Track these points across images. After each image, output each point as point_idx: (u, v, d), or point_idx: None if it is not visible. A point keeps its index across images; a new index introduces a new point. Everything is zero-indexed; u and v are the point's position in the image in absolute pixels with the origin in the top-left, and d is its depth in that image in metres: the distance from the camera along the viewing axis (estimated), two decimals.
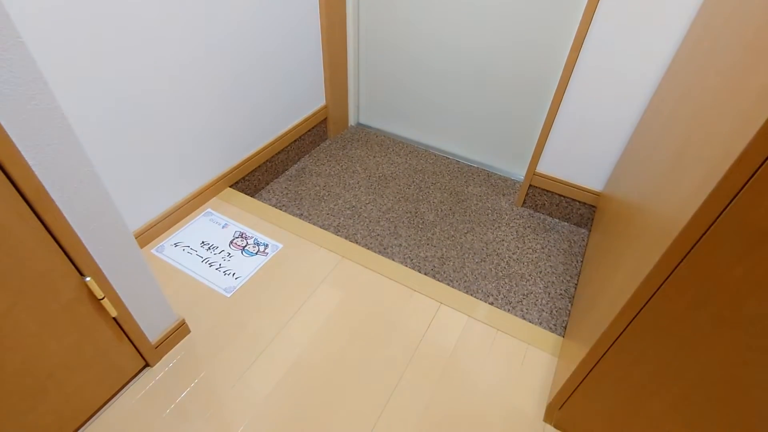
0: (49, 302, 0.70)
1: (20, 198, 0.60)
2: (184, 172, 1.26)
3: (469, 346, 1.05)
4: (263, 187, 1.56)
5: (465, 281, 1.26)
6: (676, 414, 0.68)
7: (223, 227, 1.31)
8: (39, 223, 0.63)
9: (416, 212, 1.48)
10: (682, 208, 0.54)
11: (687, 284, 0.54)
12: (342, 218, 1.44)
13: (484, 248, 1.36)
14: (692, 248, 0.52)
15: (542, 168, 1.42)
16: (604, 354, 0.70)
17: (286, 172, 1.63)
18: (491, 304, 1.19)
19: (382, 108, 1.81)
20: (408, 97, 1.71)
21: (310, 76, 1.57)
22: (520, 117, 1.52)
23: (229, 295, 1.13)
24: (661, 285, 0.57)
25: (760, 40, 0.53)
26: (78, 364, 0.79)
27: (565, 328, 1.14)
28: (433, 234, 1.40)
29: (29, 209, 0.61)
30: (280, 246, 1.27)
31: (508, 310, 1.19)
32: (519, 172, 1.66)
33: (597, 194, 1.37)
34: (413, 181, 1.61)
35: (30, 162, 0.59)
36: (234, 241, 1.27)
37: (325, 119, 1.74)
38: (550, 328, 1.14)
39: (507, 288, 1.24)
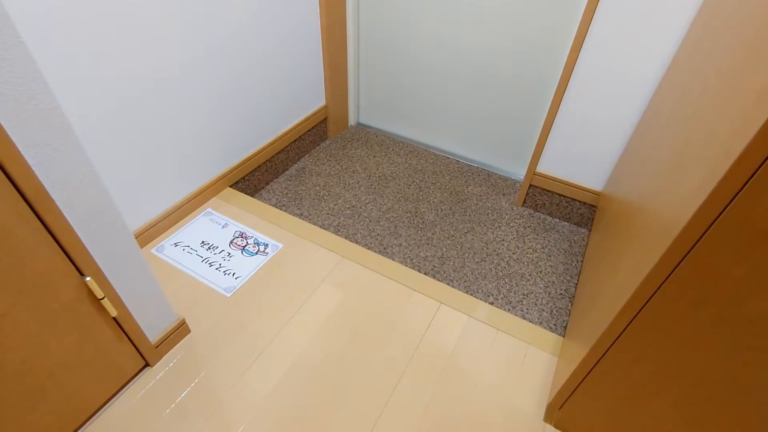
0: (49, 302, 0.70)
1: (20, 198, 0.60)
2: (184, 172, 1.26)
3: (469, 346, 1.05)
4: (263, 187, 1.56)
5: (465, 281, 1.26)
6: (676, 414, 0.68)
7: (223, 227, 1.31)
8: (39, 223, 0.63)
9: (416, 212, 1.48)
10: (682, 208, 0.54)
11: (687, 284, 0.54)
12: (342, 218, 1.44)
13: (484, 248, 1.36)
14: (692, 248, 0.52)
15: (542, 168, 1.42)
16: (605, 354, 0.70)
17: (286, 172, 1.63)
18: (491, 303, 1.19)
19: (382, 108, 1.81)
20: (408, 97, 1.71)
21: (310, 76, 1.57)
22: (520, 117, 1.52)
23: (229, 295, 1.13)
24: (661, 285, 0.57)
25: (760, 40, 0.53)
26: (78, 364, 0.79)
27: (566, 327, 1.14)
28: (433, 234, 1.40)
29: (29, 209, 0.61)
30: (280, 246, 1.27)
31: (508, 309, 1.19)
32: (519, 172, 1.66)
33: (597, 194, 1.37)
34: (413, 181, 1.61)
35: (30, 162, 0.59)
36: (234, 241, 1.27)
37: (325, 119, 1.74)
38: (551, 328, 1.14)
39: (507, 288, 1.24)
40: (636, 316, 0.62)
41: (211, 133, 1.29)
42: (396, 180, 1.61)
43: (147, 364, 0.97)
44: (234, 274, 1.18)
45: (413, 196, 1.54)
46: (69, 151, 0.63)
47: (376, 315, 1.11)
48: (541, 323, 1.15)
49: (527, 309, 1.19)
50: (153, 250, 1.22)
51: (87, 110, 0.95)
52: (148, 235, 1.22)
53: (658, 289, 0.57)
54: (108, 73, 0.96)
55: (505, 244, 1.38)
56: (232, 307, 1.10)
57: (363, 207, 1.49)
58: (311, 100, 1.63)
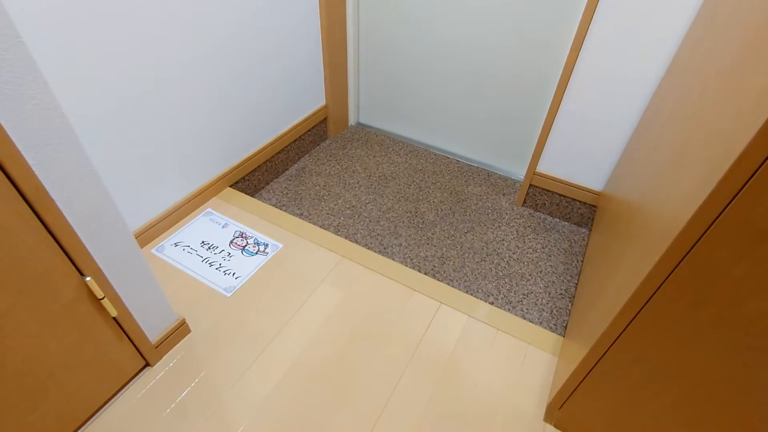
0: (50, 302, 0.70)
1: (20, 198, 0.60)
2: (184, 172, 1.26)
3: (469, 346, 1.05)
4: (263, 187, 1.56)
5: (465, 281, 1.26)
6: (676, 414, 0.68)
7: (223, 227, 1.31)
8: (39, 223, 0.63)
9: (416, 212, 1.48)
10: (682, 208, 0.54)
11: (687, 284, 0.54)
12: (342, 218, 1.44)
13: (485, 248, 1.36)
14: (692, 248, 0.52)
15: (542, 167, 1.42)
16: (605, 354, 0.70)
17: (286, 172, 1.63)
18: (491, 303, 1.19)
19: (382, 108, 1.81)
20: (408, 97, 1.71)
21: (310, 76, 1.57)
22: (520, 116, 1.52)
23: (229, 295, 1.13)
24: (661, 285, 0.57)
25: (760, 40, 0.53)
26: (78, 364, 0.79)
27: (566, 327, 1.14)
28: (433, 234, 1.40)
29: (29, 209, 0.61)
30: (280, 246, 1.27)
31: (509, 309, 1.19)
32: (519, 172, 1.66)
33: (597, 194, 1.37)
34: (413, 181, 1.61)
35: (30, 162, 0.59)
36: (234, 241, 1.27)
37: (325, 119, 1.74)
38: (551, 328, 1.14)
39: (507, 288, 1.24)
40: (636, 316, 0.62)
41: (211, 133, 1.29)
42: (396, 180, 1.61)
43: (147, 364, 0.97)
44: (234, 274, 1.18)
45: (413, 196, 1.54)
46: (69, 151, 0.63)
47: (376, 315, 1.11)
48: (541, 323, 1.15)
49: (527, 309, 1.19)
50: (153, 250, 1.22)
51: (87, 110, 0.95)
52: (148, 235, 1.22)
53: (658, 289, 0.57)
54: (108, 72, 0.96)
55: (505, 244, 1.38)
56: (232, 307, 1.10)
57: (363, 207, 1.49)
58: (311, 100, 1.63)
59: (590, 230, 1.43)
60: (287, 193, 1.53)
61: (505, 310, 1.18)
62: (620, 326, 0.64)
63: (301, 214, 1.45)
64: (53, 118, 0.60)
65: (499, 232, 1.42)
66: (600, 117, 1.23)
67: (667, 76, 1.04)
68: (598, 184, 1.36)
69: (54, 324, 0.72)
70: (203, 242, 1.26)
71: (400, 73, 1.66)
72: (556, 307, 1.20)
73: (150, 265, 1.06)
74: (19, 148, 0.57)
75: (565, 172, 1.39)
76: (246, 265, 1.20)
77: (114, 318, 0.82)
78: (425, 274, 1.27)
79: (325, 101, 1.70)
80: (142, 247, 1.22)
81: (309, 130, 1.67)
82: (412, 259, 1.31)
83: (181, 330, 1.01)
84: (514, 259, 1.33)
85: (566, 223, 1.48)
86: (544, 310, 1.19)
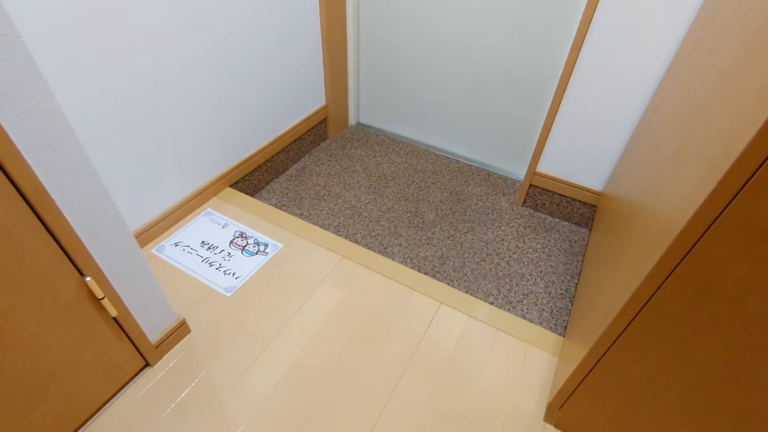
0: (49, 302, 0.70)
1: (20, 198, 0.60)
2: (184, 172, 1.26)
3: (469, 346, 1.05)
4: (263, 187, 1.56)
5: (465, 281, 1.26)
6: (676, 414, 0.68)
7: (223, 227, 1.31)
8: (39, 222, 0.63)
9: (416, 212, 1.48)
10: (682, 208, 0.54)
11: (687, 284, 0.54)
12: (342, 218, 1.44)
13: (485, 248, 1.36)
14: (692, 248, 0.52)
15: (542, 167, 1.42)
16: (605, 354, 0.70)
17: (286, 172, 1.63)
18: (491, 303, 1.19)
19: (382, 108, 1.81)
20: (408, 97, 1.71)
21: (310, 76, 1.57)
22: (521, 116, 1.52)
23: (229, 295, 1.13)
24: (661, 285, 0.57)
25: (760, 40, 0.53)
26: (78, 364, 0.79)
27: (566, 327, 1.14)
28: (433, 234, 1.40)
29: (29, 209, 0.61)
30: (280, 246, 1.27)
31: (509, 309, 1.19)
32: (519, 172, 1.66)
33: (597, 194, 1.37)
34: (413, 181, 1.61)
35: (30, 162, 0.59)
36: (234, 241, 1.27)
37: (325, 119, 1.74)
38: (551, 328, 1.14)
39: (507, 288, 1.24)
40: (636, 316, 0.62)
41: (211, 133, 1.29)
42: (396, 180, 1.61)
43: (147, 364, 0.97)
44: (234, 274, 1.18)
45: (413, 196, 1.54)
46: (69, 151, 0.63)
47: (376, 315, 1.11)
48: (541, 323, 1.15)
49: (527, 309, 1.19)
50: (153, 250, 1.22)
51: (87, 110, 0.95)
52: (148, 235, 1.22)
53: (658, 289, 0.57)
54: (108, 73, 0.96)
55: (505, 244, 1.38)
56: (232, 307, 1.10)
57: (363, 207, 1.49)
58: (311, 100, 1.63)
59: (590, 230, 1.43)
60: (287, 193, 1.53)
61: (505, 310, 1.18)
62: (620, 326, 0.64)
63: (301, 214, 1.45)
64: (53, 118, 0.60)
65: (499, 232, 1.42)
66: (600, 117, 1.23)
67: (667, 75, 1.04)
68: (598, 184, 1.36)
69: (54, 324, 0.72)
70: (203, 242, 1.26)
71: (400, 73, 1.66)
72: (556, 307, 1.20)
73: (150, 265, 1.05)
74: (19, 148, 0.57)
75: (565, 172, 1.39)
76: (246, 265, 1.20)
77: (114, 318, 0.82)
78: (425, 274, 1.27)
79: (325, 101, 1.70)
80: (142, 247, 1.22)
81: (309, 130, 1.67)
82: (412, 259, 1.31)
83: (181, 330, 1.01)
84: (514, 259, 1.33)
85: (566, 223, 1.48)
86: (544, 310, 1.19)
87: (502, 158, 1.66)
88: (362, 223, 1.42)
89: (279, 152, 1.57)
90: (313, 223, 1.41)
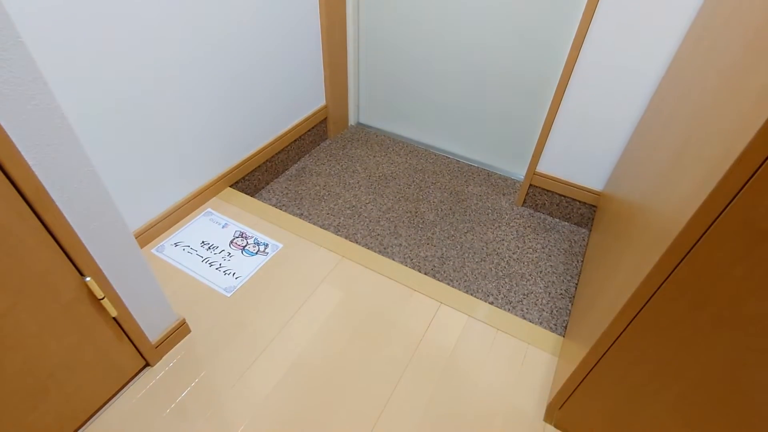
0: (49, 302, 0.70)
1: (20, 198, 0.60)
2: (184, 172, 1.26)
3: (469, 346, 1.05)
4: (263, 187, 1.56)
5: (465, 281, 1.26)
6: (676, 414, 0.68)
7: (223, 227, 1.31)
8: (39, 222, 0.63)
9: (416, 212, 1.48)
10: (682, 208, 0.54)
11: (687, 284, 0.54)
12: (342, 218, 1.44)
13: (484, 248, 1.36)
14: (692, 248, 0.52)
15: (542, 167, 1.42)
16: (605, 354, 0.70)
17: (286, 172, 1.63)
18: (491, 303, 1.19)
19: (382, 108, 1.81)
20: (408, 97, 1.71)
21: (310, 76, 1.57)
22: (521, 116, 1.51)
23: (229, 295, 1.13)
24: (661, 285, 0.57)
25: (760, 40, 0.53)
26: (78, 364, 0.79)
27: (566, 327, 1.14)
28: (433, 234, 1.40)
29: (29, 209, 0.61)
30: (280, 246, 1.27)
31: (509, 309, 1.18)
32: (519, 172, 1.66)
33: (597, 194, 1.37)
34: (413, 181, 1.61)
35: (30, 162, 0.59)
36: (234, 241, 1.27)
37: (325, 119, 1.74)
38: (551, 328, 1.14)
39: (507, 288, 1.24)
40: (636, 316, 0.62)
41: (211, 133, 1.29)
42: (396, 180, 1.61)
43: (147, 364, 0.97)
44: (234, 274, 1.18)
45: (413, 196, 1.54)
46: (69, 151, 0.63)
47: (376, 315, 1.11)
48: (541, 323, 1.15)
49: (527, 309, 1.19)
50: (153, 250, 1.22)
51: (87, 110, 0.95)
52: (148, 235, 1.22)
53: (658, 289, 0.57)
54: (108, 73, 0.96)
55: (505, 244, 1.38)
56: (232, 307, 1.10)
57: (363, 207, 1.49)
58: (311, 100, 1.63)
59: (590, 230, 1.43)
60: (287, 193, 1.53)
61: (505, 310, 1.18)
62: (620, 326, 0.64)
63: (301, 214, 1.45)
64: (53, 118, 0.60)
65: (499, 232, 1.42)
66: (600, 116, 1.23)
67: (667, 75, 1.04)
68: (598, 184, 1.36)
69: (54, 324, 0.72)
70: (203, 242, 1.26)
71: (400, 73, 1.66)
72: (556, 307, 1.20)
73: (150, 265, 1.05)
74: (19, 149, 0.57)
75: (565, 172, 1.39)
76: (246, 265, 1.20)
77: (114, 318, 0.82)
78: (425, 274, 1.27)
79: (325, 101, 1.70)
80: (142, 247, 1.22)
81: (309, 130, 1.67)
82: (412, 259, 1.31)
83: (181, 330, 1.01)
84: (514, 259, 1.33)
85: (566, 223, 1.48)
86: (544, 310, 1.19)
87: (502, 158, 1.66)
88: (362, 223, 1.42)
89: (279, 152, 1.57)
90: (313, 223, 1.41)
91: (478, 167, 1.69)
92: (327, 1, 1.44)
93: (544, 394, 0.97)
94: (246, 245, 1.26)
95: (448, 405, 0.94)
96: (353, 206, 1.49)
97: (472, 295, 1.21)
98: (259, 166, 1.50)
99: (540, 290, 1.24)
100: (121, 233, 0.77)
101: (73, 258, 0.70)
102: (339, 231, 1.39)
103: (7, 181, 0.57)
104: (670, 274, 0.55)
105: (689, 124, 0.69)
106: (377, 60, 1.68)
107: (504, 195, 1.57)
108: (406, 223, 1.43)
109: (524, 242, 1.39)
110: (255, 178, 1.51)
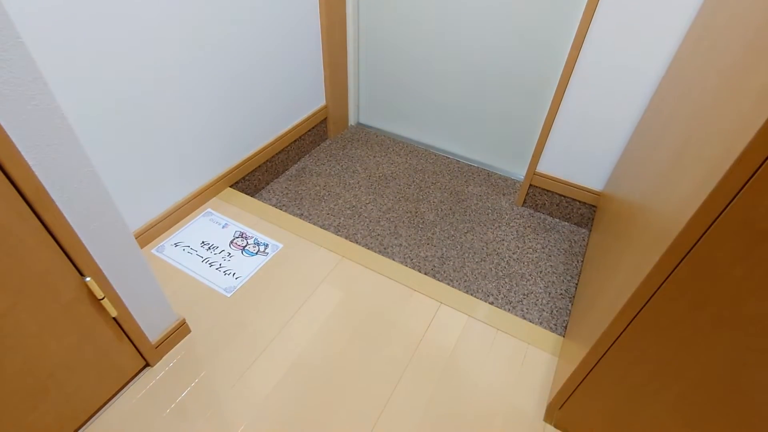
0: (49, 302, 0.70)
1: (20, 198, 0.60)
2: (184, 172, 1.26)
3: (469, 346, 1.05)
4: (263, 187, 1.56)
5: (465, 281, 1.26)
6: (676, 414, 0.68)
7: (223, 227, 1.31)
8: (39, 222, 0.63)
9: (416, 212, 1.48)
10: (682, 208, 0.54)
11: (687, 284, 0.54)
12: (342, 218, 1.44)
13: (484, 248, 1.36)
14: (692, 248, 0.52)
15: (542, 167, 1.42)
16: (605, 354, 0.70)
17: (286, 172, 1.63)
18: (491, 303, 1.19)
19: (382, 108, 1.81)
20: (408, 97, 1.71)
21: (310, 76, 1.57)
22: (521, 116, 1.51)
23: (229, 295, 1.13)
24: (661, 285, 0.57)
25: (760, 40, 0.53)
26: (78, 364, 0.79)
27: (566, 327, 1.14)
28: (433, 234, 1.40)
29: (29, 209, 0.61)
30: (281, 246, 1.27)
31: (509, 309, 1.18)
32: (519, 172, 1.66)
33: (597, 194, 1.37)
34: (413, 181, 1.61)
35: (30, 162, 0.59)
36: (234, 241, 1.27)
37: (325, 119, 1.74)
38: (551, 328, 1.14)
39: (507, 288, 1.24)
40: (636, 316, 0.62)
41: (211, 133, 1.29)
42: (396, 180, 1.61)
43: (147, 364, 0.97)
44: (234, 274, 1.18)
45: (413, 196, 1.54)
46: (69, 151, 0.63)
47: (376, 315, 1.11)
48: (541, 323, 1.15)
49: (527, 309, 1.19)
50: (153, 250, 1.22)
51: (87, 110, 0.95)
52: (148, 235, 1.22)
53: (658, 289, 0.57)
54: (108, 73, 0.96)
55: (505, 244, 1.38)
56: (232, 307, 1.10)
57: (363, 207, 1.49)
58: (311, 100, 1.63)
59: (590, 230, 1.43)
60: (287, 194, 1.53)
61: (505, 310, 1.18)
62: (620, 326, 0.64)
63: (301, 214, 1.45)
64: (53, 118, 0.60)
65: (499, 232, 1.42)
66: (600, 116, 1.23)
67: (667, 75, 1.04)
68: (598, 184, 1.36)
69: (54, 324, 0.72)
70: (203, 242, 1.26)
71: (400, 73, 1.66)
72: (556, 307, 1.20)
73: (150, 265, 1.05)
74: (19, 149, 0.57)
75: (565, 172, 1.39)
76: (246, 266, 1.20)
77: (114, 318, 0.82)
78: (425, 274, 1.27)
79: (325, 101, 1.70)
80: (142, 247, 1.22)
81: (309, 130, 1.67)
82: (412, 259, 1.31)
83: (181, 330, 1.01)
84: (514, 259, 1.33)
85: (566, 223, 1.48)
86: (544, 310, 1.19)
87: (502, 158, 1.66)
88: (362, 223, 1.42)
89: (279, 152, 1.57)
90: (313, 224, 1.41)
91: (478, 167, 1.69)
92: (327, 1, 1.44)
93: (544, 394, 0.97)
94: (246, 245, 1.26)
95: (448, 405, 0.94)
96: (353, 206, 1.49)
97: (472, 295, 1.21)
98: (259, 167, 1.50)
99: (540, 290, 1.24)
100: (121, 233, 0.77)
101: (73, 258, 0.70)
102: (339, 231, 1.39)
103: (7, 181, 0.57)
104: (670, 274, 0.55)
105: (689, 123, 0.69)
106: (377, 60, 1.68)
107: (504, 195, 1.57)
108: (406, 223, 1.43)
109: (524, 242, 1.39)
110: (255, 179, 1.51)
